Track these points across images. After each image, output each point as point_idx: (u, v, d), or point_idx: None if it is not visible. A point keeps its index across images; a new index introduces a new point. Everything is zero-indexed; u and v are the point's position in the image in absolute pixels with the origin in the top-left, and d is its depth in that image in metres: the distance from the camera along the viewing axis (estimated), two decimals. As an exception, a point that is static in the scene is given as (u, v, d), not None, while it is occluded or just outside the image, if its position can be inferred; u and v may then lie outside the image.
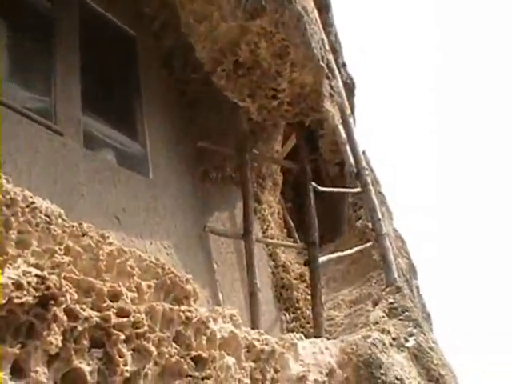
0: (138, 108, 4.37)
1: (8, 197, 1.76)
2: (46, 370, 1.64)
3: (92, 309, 1.88)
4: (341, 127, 6.50)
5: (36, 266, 1.76)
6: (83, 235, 2.05)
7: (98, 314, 1.88)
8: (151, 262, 2.26)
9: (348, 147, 6.56)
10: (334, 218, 7.26)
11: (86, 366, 1.76)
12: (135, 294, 2.07)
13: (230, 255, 5.02)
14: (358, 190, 6.37)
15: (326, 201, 7.00)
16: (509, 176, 34.28)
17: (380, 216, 6.15)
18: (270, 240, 5.73)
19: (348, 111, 6.64)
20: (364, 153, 7.14)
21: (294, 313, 5.63)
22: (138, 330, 1.98)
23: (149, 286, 2.17)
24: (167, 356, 2.06)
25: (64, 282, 1.79)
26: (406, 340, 4.62)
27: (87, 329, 1.82)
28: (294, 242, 6.50)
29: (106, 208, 3.47)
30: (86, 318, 1.82)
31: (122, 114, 4.23)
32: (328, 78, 4.84)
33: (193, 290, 2.34)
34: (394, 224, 7.42)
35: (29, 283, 1.64)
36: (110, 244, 2.12)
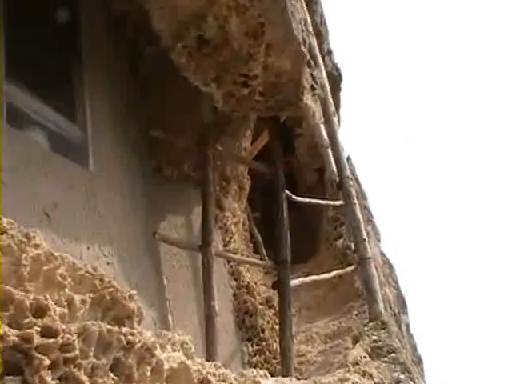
0: (78, 82, 4.29)
1: None
2: None
3: (9, 325, 1.84)
4: (322, 127, 6.62)
5: None
6: (2, 233, 2.02)
7: (17, 332, 1.85)
8: (87, 271, 2.25)
9: (330, 151, 6.68)
10: (309, 234, 7.34)
11: (-3, 397, 1.74)
12: (65, 310, 2.06)
13: (183, 270, 5.07)
14: (340, 202, 6.50)
15: (302, 213, 7.08)
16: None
17: (365, 236, 6.26)
18: (232, 255, 5.75)
19: (332, 108, 6.73)
20: (349, 159, 7.26)
21: (258, 344, 5.66)
22: (68, 355, 1.95)
23: (83, 301, 2.15)
24: (103, 388, 2.06)
25: (-26, 290, 1.78)
26: (392, 387, 4.66)
27: (1, 350, 1.78)
28: (260, 259, 6.57)
29: (33, 201, 3.40)
30: (1, 337, 1.78)
31: (58, 88, 4.14)
32: (310, 66, 4.88)
33: (137, 309, 2.34)
34: (382, 246, 7.59)
35: None
36: (37, 246, 2.10)
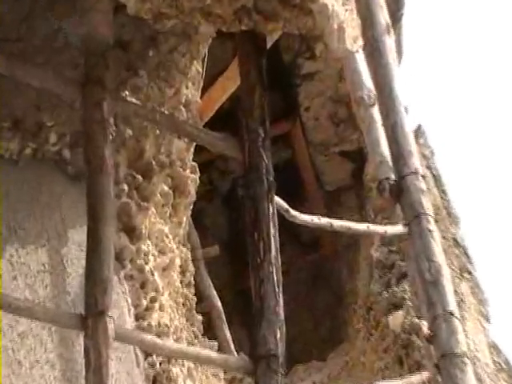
0: None
1: None
2: None
3: None
4: (360, 58, 6.81)
5: None
6: None
7: None
8: None
9: (377, 114, 6.78)
10: (328, 297, 7.30)
11: None
12: None
13: (40, 370, 5.06)
14: (399, 229, 6.46)
15: (311, 249, 7.05)
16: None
17: (453, 306, 6.19)
18: (154, 339, 5.56)
19: (384, 17, 6.73)
20: (420, 131, 7.29)
21: None
22: None
23: None
24: None
25: None
26: None
27: None
28: (219, 349, 6.64)
29: None
30: None
31: None
32: None
33: None
34: (493, 330, 7.66)
35: None
36: None
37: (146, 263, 6.09)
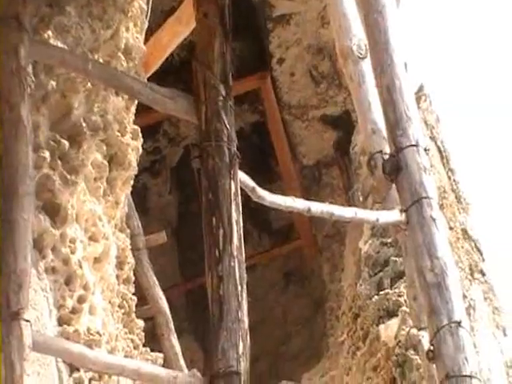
0: None
1: None
2: None
3: None
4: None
5: None
6: None
7: None
8: None
9: (367, 71, 6.93)
10: (301, 298, 7.30)
11: None
12: None
13: None
14: (394, 216, 6.58)
15: (280, 239, 7.05)
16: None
17: (461, 315, 6.24)
18: (83, 349, 5.54)
19: None
20: (422, 93, 7.34)
21: None
22: None
23: None
24: None
25: None
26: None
27: None
28: (165, 364, 6.70)
29: None
30: None
31: None
32: None
33: None
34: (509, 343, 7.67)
35: None
36: None
37: (73, 252, 6.04)
